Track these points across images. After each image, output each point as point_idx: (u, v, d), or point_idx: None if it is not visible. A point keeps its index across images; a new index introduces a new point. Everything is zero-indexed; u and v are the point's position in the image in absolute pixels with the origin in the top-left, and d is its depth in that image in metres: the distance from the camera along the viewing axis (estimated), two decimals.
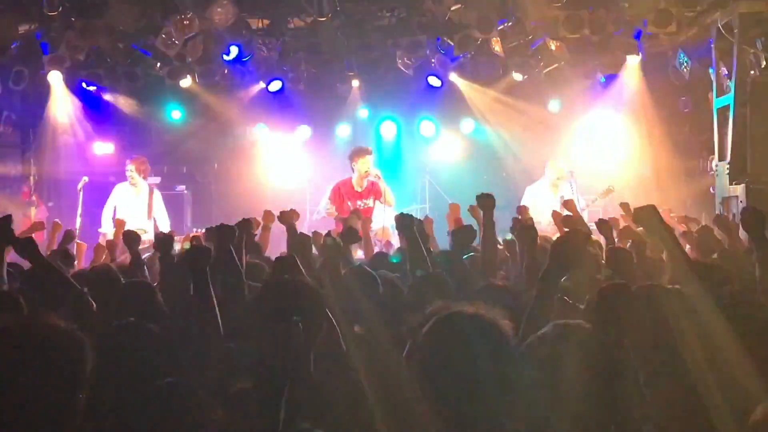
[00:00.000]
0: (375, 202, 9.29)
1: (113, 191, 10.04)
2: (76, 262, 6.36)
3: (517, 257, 5.08)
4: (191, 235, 9.92)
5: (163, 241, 4.98)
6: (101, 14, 9.93)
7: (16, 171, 11.76)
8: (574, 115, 11.91)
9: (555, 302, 3.18)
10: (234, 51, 10.74)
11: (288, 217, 6.14)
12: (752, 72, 8.87)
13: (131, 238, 5.50)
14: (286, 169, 12.74)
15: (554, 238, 6.12)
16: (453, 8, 10.14)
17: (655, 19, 9.60)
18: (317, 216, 9.83)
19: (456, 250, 4.88)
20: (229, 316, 3.44)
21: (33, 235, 7.87)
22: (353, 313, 3.46)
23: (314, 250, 5.38)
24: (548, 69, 11.09)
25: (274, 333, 2.56)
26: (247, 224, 5.14)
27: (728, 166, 8.97)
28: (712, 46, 9.39)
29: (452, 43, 10.42)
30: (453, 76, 11.44)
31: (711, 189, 9.87)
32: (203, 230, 10.28)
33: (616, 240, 5.81)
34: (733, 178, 8.83)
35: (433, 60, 11.06)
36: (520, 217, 6.68)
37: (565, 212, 7.22)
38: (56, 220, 7.32)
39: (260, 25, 10.76)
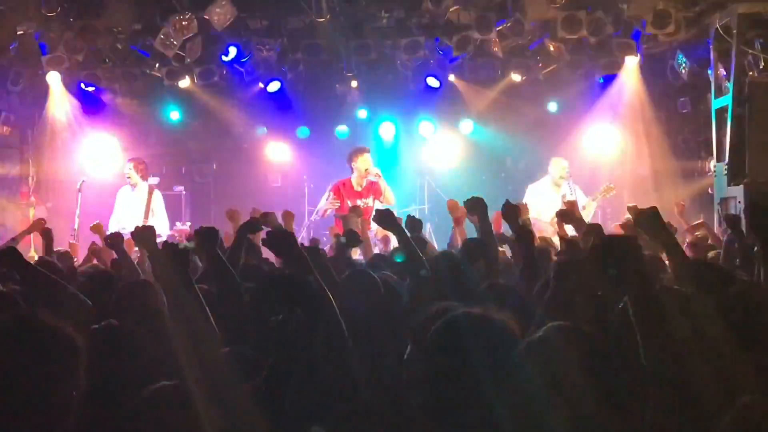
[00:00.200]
0: (375, 201, 9.28)
1: (117, 196, 10.00)
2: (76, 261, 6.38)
3: (515, 255, 5.11)
4: (175, 230, 9.96)
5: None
6: (100, 15, 9.95)
7: (15, 172, 11.74)
8: (572, 116, 11.91)
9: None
10: (233, 51, 10.74)
11: (273, 219, 6.20)
12: (751, 73, 8.87)
13: (114, 241, 5.47)
14: (284, 169, 12.74)
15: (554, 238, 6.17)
16: (452, 9, 10.15)
17: (654, 20, 9.61)
18: (316, 216, 9.81)
19: (463, 258, 4.73)
20: (228, 317, 3.44)
21: (31, 236, 7.91)
22: (353, 314, 3.46)
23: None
24: (547, 70, 11.10)
25: (273, 326, 2.56)
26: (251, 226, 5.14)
27: (726, 167, 8.98)
28: (711, 47, 9.39)
29: (451, 44, 10.42)
30: (452, 77, 11.44)
31: (709, 190, 9.88)
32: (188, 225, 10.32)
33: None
34: (731, 179, 8.83)
35: (431, 60, 11.06)
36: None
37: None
38: (47, 225, 7.16)
39: (259, 25, 10.77)
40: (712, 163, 9.68)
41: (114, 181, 10.68)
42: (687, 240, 6.86)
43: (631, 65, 10.71)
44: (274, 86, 11.50)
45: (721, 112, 9.31)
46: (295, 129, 12.46)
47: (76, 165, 11.70)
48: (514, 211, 4.89)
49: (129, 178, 9.77)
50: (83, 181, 10.34)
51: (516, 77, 11.16)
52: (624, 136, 11.75)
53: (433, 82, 11.41)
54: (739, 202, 8.40)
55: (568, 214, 6.41)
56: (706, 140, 10.25)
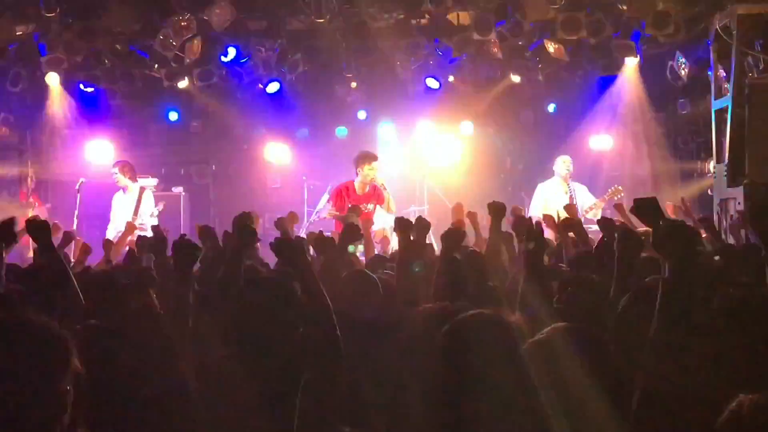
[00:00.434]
0: (375, 207, 9.27)
1: (112, 203, 10.01)
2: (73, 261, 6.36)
3: (514, 252, 5.16)
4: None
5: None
6: (99, 16, 9.93)
7: (14, 172, 11.74)
8: (572, 117, 11.91)
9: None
10: (232, 52, 10.74)
11: (282, 224, 6.21)
12: (750, 74, 8.87)
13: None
14: (284, 170, 12.72)
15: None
16: (451, 10, 10.15)
17: (654, 21, 9.61)
18: (315, 217, 9.80)
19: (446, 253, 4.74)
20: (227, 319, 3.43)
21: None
22: (353, 314, 3.45)
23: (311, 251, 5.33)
24: (546, 71, 11.10)
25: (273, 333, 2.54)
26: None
27: (726, 168, 8.97)
28: (711, 48, 9.39)
29: (450, 45, 10.42)
30: (451, 78, 11.43)
31: (709, 191, 9.87)
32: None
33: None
34: (731, 181, 8.82)
35: (431, 62, 11.06)
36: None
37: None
38: (56, 221, 7.26)
39: (258, 26, 10.76)
40: (712, 164, 9.68)
41: (113, 182, 10.67)
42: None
43: (630, 66, 10.71)
44: (273, 87, 11.49)
45: (721, 113, 9.30)
46: (295, 130, 12.46)
47: (75, 165, 11.70)
48: (500, 208, 5.34)
49: (117, 181, 9.84)
50: (82, 181, 10.36)
51: (515, 78, 11.16)
52: (623, 138, 11.75)
53: (432, 83, 11.40)
54: (739, 203, 8.39)
55: (570, 223, 6.41)
56: (706, 141, 10.26)
